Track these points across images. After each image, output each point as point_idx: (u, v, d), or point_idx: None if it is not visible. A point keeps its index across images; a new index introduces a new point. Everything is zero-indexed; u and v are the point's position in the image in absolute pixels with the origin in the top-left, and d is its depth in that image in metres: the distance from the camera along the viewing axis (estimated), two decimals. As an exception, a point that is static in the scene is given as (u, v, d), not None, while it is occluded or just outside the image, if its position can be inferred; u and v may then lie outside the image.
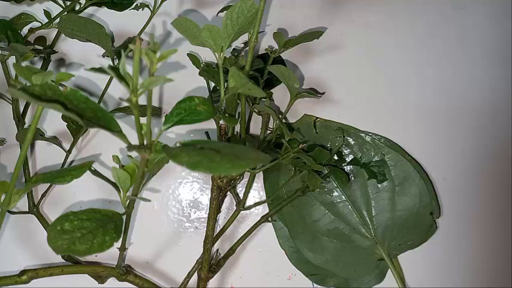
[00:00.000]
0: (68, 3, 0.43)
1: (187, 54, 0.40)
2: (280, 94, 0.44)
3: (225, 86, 0.35)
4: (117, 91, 0.44)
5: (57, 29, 0.43)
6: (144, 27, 0.42)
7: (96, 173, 0.32)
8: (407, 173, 0.42)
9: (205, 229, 0.40)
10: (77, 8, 0.43)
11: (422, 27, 0.45)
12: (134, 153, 0.28)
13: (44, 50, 0.43)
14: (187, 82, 0.44)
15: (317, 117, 0.43)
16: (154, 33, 0.45)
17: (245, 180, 0.43)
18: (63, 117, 0.41)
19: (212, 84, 0.41)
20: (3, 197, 0.28)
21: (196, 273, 0.41)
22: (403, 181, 0.42)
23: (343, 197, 0.42)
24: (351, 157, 0.43)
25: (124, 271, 0.40)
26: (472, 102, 0.44)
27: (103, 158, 0.44)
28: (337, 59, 0.45)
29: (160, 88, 0.45)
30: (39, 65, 0.43)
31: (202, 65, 0.40)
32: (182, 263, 0.42)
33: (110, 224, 0.27)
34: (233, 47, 0.44)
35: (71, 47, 0.45)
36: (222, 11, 0.41)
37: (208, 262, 0.40)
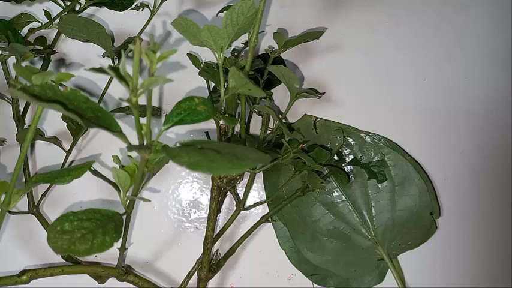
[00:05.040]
0: (68, 3, 0.43)
1: (187, 54, 0.40)
2: (280, 94, 0.44)
3: (225, 86, 0.35)
4: (117, 91, 0.44)
5: (57, 29, 0.43)
6: (144, 27, 0.42)
7: (96, 173, 0.32)
8: (407, 173, 0.42)
9: (205, 229, 0.40)
10: (77, 8, 0.43)
11: (422, 27, 0.45)
12: (134, 153, 0.28)
13: (44, 50, 0.43)
14: (187, 82, 0.44)
15: (317, 117, 0.43)
16: (154, 33, 0.45)
17: (245, 180, 0.43)
18: (63, 117, 0.41)
19: (212, 84, 0.41)
20: (3, 197, 0.28)
21: (196, 273, 0.41)
22: (403, 181, 0.42)
23: (343, 197, 0.42)
24: (351, 157, 0.43)
25: (124, 271, 0.40)
26: (472, 102, 0.44)
27: (103, 158, 0.44)
28: (337, 59, 0.45)
29: (160, 88, 0.45)
30: (39, 65, 0.43)
31: (202, 65, 0.40)
32: (182, 263, 0.42)
33: (110, 224, 0.27)
34: (233, 47, 0.44)
35: (71, 47, 0.45)
36: (222, 11, 0.41)
37: (208, 262, 0.40)
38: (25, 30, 0.43)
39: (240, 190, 0.43)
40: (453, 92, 0.44)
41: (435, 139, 0.44)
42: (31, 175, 0.42)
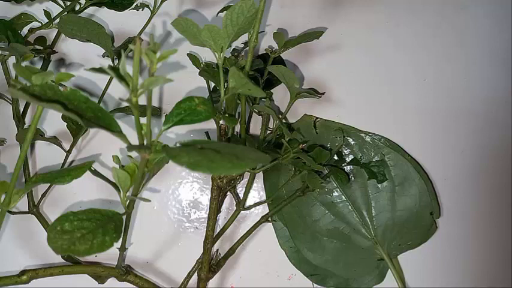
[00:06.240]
0: (68, 3, 0.43)
1: (187, 54, 0.40)
2: (280, 94, 0.44)
3: (225, 86, 0.35)
4: (117, 91, 0.44)
5: (57, 29, 0.43)
6: (144, 27, 0.42)
7: (96, 173, 0.32)
8: (407, 173, 0.42)
9: (205, 229, 0.40)
10: (77, 8, 0.43)
11: (422, 27, 0.45)
12: (134, 153, 0.28)
13: (44, 50, 0.43)
14: (187, 82, 0.44)
15: (317, 117, 0.43)
16: (154, 33, 0.45)
17: (245, 180, 0.43)
18: (63, 117, 0.41)
19: (212, 84, 0.41)
20: (3, 197, 0.28)
21: (196, 273, 0.41)
22: (403, 181, 0.42)
23: (343, 197, 0.42)
24: (351, 157, 0.43)
25: (124, 271, 0.40)
26: (472, 102, 0.44)
27: (103, 158, 0.44)
28: (337, 59, 0.45)
29: (160, 88, 0.45)
30: (39, 65, 0.43)
31: (202, 65, 0.40)
32: (182, 263, 0.42)
33: (110, 224, 0.27)
34: (233, 47, 0.44)
35: (71, 47, 0.45)
36: (222, 11, 0.41)
37: (208, 262, 0.40)
38: (25, 30, 0.43)
39: (240, 190, 0.43)
40: (453, 92, 0.44)
41: (435, 139, 0.44)
42: (31, 175, 0.42)
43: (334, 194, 0.42)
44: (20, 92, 0.22)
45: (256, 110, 0.42)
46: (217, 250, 0.43)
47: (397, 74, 0.45)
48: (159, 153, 0.25)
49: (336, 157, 0.42)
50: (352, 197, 0.42)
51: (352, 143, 0.43)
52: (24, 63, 0.33)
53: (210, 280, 0.41)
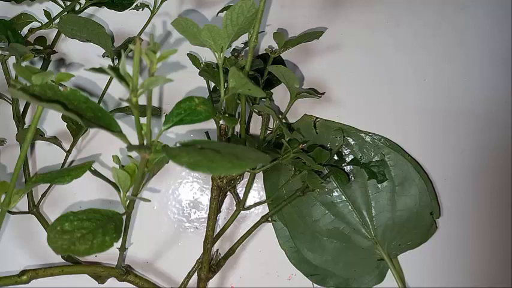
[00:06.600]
0: (68, 3, 0.43)
1: (187, 54, 0.40)
2: (280, 94, 0.44)
3: (225, 86, 0.35)
4: (117, 91, 0.44)
5: (57, 29, 0.43)
6: (144, 27, 0.42)
7: (96, 173, 0.32)
8: (407, 173, 0.42)
9: (205, 229, 0.40)
10: (77, 8, 0.43)
11: (422, 27, 0.45)
12: (134, 153, 0.28)
13: (44, 50, 0.43)
14: (187, 82, 0.44)
15: (317, 117, 0.43)
16: (154, 33, 0.45)
17: (245, 180, 0.43)
18: (63, 117, 0.41)
19: (212, 84, 0.41)
20: (3, 197, 0.28)
21: (196, 273, 0.41)
22: (403, 181, 0.42)
23: (343, 197, 0.42)
24: (351, 157, 0.43)
25: (124, 271, 0.40)
26: (472, 102, 0.44)
27: (103, 158, 0.44)
28: (337, 59, 0.45)
29: (160, 88, 0.45)
30: (39, 65, 0.43)
31: (202, 65, 0.40)
32: (182, 263, 0.42)
33: (110, 224, 0.27)
34: (233, 47, 0.44)
35: (71, 47, 0.45)
36: (222, 11, 0.41)
37: (208, 262, 0.40)
38: (25, 30, 0.43)
39: (240, 190, 0.43)
40: (453, 92, 0.44)
41: (435, 139, 0.44)
42: (31, 175, 0.42)
43: (334, 194, 0.42)
44: (20, 92, 0.22)
45: (256, 110, 0.42)
46: (217, 250, 0.43)
47: (397, 74, 0.45)
48: (159, 153, 0.25)
49: (336, 157, 0.42)
50: (352, 197, 0.42)
51: (352, 143, 0.43)
52: (24, 63, 0.33)
53: (210, 280, 0.41)
